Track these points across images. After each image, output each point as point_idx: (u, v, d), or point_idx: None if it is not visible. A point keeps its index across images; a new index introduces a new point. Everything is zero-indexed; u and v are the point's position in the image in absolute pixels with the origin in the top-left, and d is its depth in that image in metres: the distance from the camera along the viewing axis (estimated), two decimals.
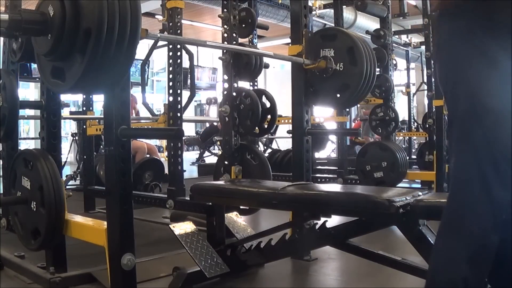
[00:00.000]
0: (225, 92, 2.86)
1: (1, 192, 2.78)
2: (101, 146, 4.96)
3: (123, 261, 1.56)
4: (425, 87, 5.00)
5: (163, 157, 7.47)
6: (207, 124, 9.58)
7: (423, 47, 6.72)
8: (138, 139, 5.42)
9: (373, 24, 7.39)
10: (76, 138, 5.37)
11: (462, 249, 1.12)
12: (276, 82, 11.56)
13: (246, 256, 2.12)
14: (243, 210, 2.76)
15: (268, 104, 3.02)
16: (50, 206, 1.90)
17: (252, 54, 3.06)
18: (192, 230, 2.10)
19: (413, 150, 7.67)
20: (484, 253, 1.11)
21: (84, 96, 3.98)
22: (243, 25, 3.14)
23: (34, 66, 4.99)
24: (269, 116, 3.01)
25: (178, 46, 2.99)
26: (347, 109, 4.76)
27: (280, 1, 7.62)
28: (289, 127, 4.13)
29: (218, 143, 8.41)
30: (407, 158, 4.07)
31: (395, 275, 1.93)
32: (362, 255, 1.80)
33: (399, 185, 3.85)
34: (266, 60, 3.28)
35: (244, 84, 3.21)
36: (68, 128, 8.34)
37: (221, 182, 2.43)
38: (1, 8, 3.33)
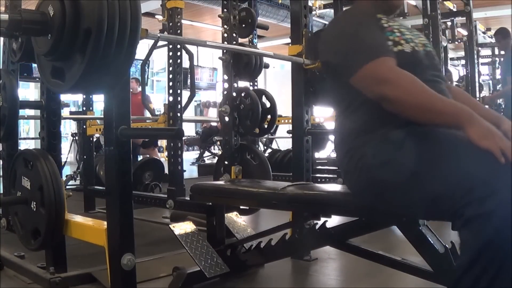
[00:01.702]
0: (225, 92, 2.86)
1: (1, 192, 2.78)
2: (102, 148, 4.96)
3: (123, 261, 1.56)
4: None
5: (163, 157, 7.47)
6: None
7: None
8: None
9: None
10: (76, 138, 5.38)
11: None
12: (276, 82, 11.57)
13: (246, 256, 2.12)
14: (243, 210, 2.76)
15: (268, 104, 3.02)
16: (50, 206, 1.90)
17: (252, 54, 3.06)
18: (192, 230, 2.10)
19: None
20: None
21: (84, 96, 3.99)
22: (243, 25, 3.15)
23: (34, 65, 4.99)
24: (269, 116, 3.01)
25: (178, 46, 2.99)
26: None
27: (280, 1, 7.63)
28: (289, 127, 4.13)
29: (218, 143, 8.42)
30: None
31: (395, 275, 1.92)
32: (362, 255, 1.80)
33: None
34: (266, 60, 3.28)
35: (244, 84, 3.21)
36: (68, 128, 8.34)
37: (221, 182, 2.43)
38: (1, 8, 3.33)
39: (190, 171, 7.53)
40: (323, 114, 5.75)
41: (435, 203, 1.21)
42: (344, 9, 4.81)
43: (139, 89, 6.26)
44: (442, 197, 1.18)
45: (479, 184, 1.09)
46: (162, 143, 9.11)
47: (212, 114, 10.83)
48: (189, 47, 2.96)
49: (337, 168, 4.85)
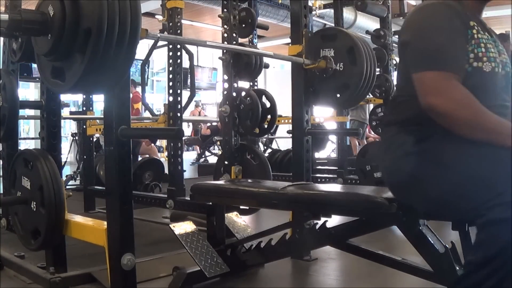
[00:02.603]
0: (225, 92, 2.85)
1: (1, 192, 2.78)
2: (102, 148, 4.96)
3: (123, 261, 1.56)
4: None
5: (163, 157, 7.47)
6: (202, 125, 9.65)
7: None
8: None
9: (373, 24, 7.38)
10: (76, 138, 5.38)
11: None
12: (276, 82, 11.56)
13: (246, 256, 2.12)
14: (243, 210, 2.76)
15: (268, 104, 3.02)
16: (50, 206, 1.90)
17: (252, 54, 3.06)
18: (192, 230, 2.10)
19: None
20: None
21: (84, 96, 3.98)
22: (243, 25, 3.14)
23: (34, 65, 4.99)
24: (269, 116, 3.01)
25: (178, 46, 2.99)
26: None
27: (280, 1, 7.62)
28: (289, 127, 4.13)
29: (218, 143, 8.41)
30: None
31: (395, 275, 1.92)
32: (362, 255, 1.80)
33: None
34: (266, 60, 3.28)
35: (244, 84, 3.21)
36: (68, 128, 8.33)
37: (221, 182, 2.43)
38: (1, 8, 3.34)
39: (190, 171, 7.53)
40: (323, 114, 5.76)
41: (456, 200, 1.23)
42: (344, 8, 4.84)
43: (134, 89, 6.28)
44: (467, 195, 1.20)
45: (509, 189, 1.11)
46: (162, 143, 9.12)
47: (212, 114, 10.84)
48: (189, 47, 2.96)
49: (337, 168, 4.87)
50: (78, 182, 5.12)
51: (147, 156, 5.86)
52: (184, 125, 11.04)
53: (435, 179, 1.28)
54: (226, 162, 2.84)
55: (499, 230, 1.09)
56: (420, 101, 1.32)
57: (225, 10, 2.85)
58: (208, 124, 9.32)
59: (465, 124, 1.27)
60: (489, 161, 1.21)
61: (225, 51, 2.82)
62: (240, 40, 3.08)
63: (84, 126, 3.98)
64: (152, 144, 5.94)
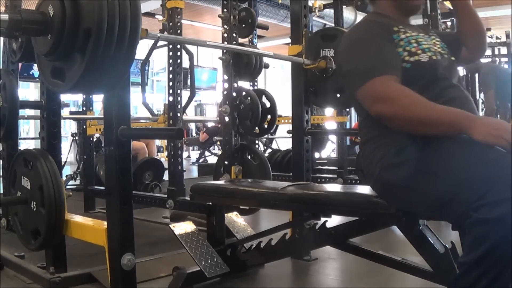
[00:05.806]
0: (225, 92, 2.85)
1: (1, 192, 2.78)
2: (102, 148, 4.95)
3: (123, 261, 1.56)
4: None
5: (163, 157, 7.46)
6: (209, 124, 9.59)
7: None
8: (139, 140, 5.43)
9: None
10: (76, 138, 5.37)
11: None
12: (276, 82, 11.56)
13: (246, 256, 2.12)
14: (243, 210, 2.76)
15: (268, 104, 3.02)
16: (50, 206, 1.90)
17: (252, 54, 3.06)
18: (192, 230, 2.10)
19: None
20: None
21: (84, 96, 3.99)
22: (243, 25, 3.15)
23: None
24: (269, 116, 3.01)
25: (178, 46, 2.99)
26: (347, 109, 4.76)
27: (280, 1, 7.62)
28: (289, 127, 4.13)
29: (218, 143, 8.41)
30: None
31: (395, 275, 1.92)
32: (362, 255, 1.80)
33: None
34: (266, 60, 3.28)
35: (244, 84, 3.20)
36: (68, 128, 8.33)
37: (221, 182, 2.42)
38: (1, 8, 3.33)
39: (190, 171, 7.53)
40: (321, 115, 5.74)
41: (447, 204, 1.24)
42: (343, 8, 4.84)
43: None
44: (455, 199, 1.21)
45: (492, 189, 1.12)
46: (162, 143, 9.12)
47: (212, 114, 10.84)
48: (189, 47, 2.96)
49: (337, 168, 4.86)
50: (78, 182, 5.11)
51: (147, 156, 5.85)
52: None
53: (420, 188, 1.31)
54: (226, 162, 2.84)
55: (486, 230, 1.10)
56: (370, 113, 1.39)
57: (225, 10, 2.85)
58: (204, 129, 9.28)
59: (412, 122, 1.31)
60: (471, 163, 1.22)
61: (225, 51, 2.82)
62: (240, 40, 3.08)
63: (84, 126, 3.98)
64: (145, 145, 5.86)
